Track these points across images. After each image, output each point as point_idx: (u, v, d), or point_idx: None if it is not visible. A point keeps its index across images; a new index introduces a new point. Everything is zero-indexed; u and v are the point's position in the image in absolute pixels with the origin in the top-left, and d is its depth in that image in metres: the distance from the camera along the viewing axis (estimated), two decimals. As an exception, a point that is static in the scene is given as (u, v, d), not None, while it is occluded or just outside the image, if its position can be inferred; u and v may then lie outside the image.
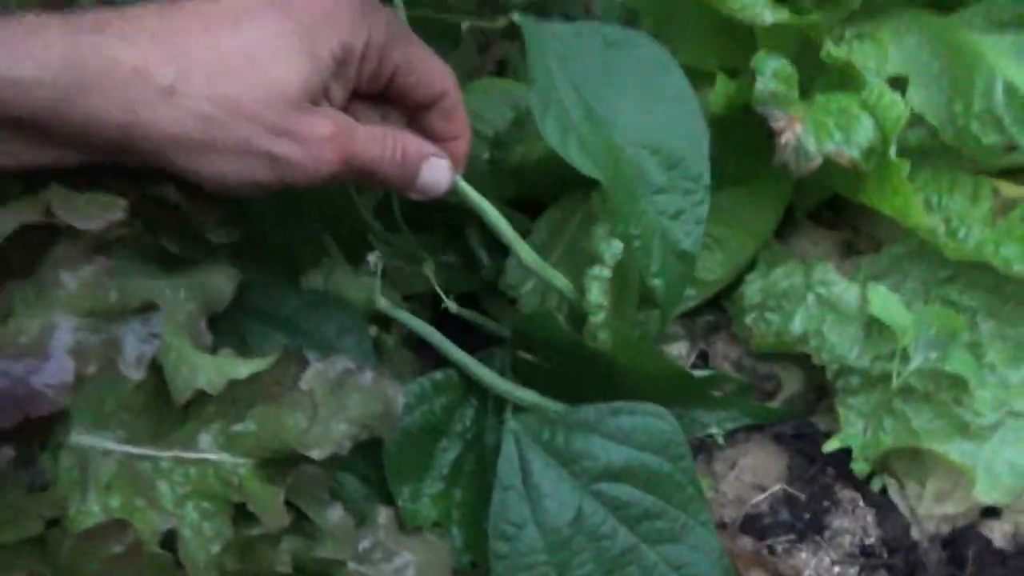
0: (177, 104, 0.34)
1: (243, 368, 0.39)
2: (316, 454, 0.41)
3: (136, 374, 0.33)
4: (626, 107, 0.52)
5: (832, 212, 0.65)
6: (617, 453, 0.44)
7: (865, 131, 0.49)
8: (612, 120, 0.51)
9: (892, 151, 0.50)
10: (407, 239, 0.58)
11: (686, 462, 0.44)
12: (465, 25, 0.63)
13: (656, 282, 0.51)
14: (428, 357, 0.57)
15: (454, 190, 0.46)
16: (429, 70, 0.42)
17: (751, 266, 0.59)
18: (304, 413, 0.42)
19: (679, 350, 0.59)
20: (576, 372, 0.51)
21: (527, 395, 0.49)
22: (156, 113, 0.34)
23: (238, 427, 0.40)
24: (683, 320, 0.61)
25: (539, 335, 0.49)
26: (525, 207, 0.59)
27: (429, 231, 0.62)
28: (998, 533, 0.46)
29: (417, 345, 0.58)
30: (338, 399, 0.45)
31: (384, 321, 0.59)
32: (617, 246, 0.48)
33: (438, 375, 0.50)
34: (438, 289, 0.53)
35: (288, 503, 0.41)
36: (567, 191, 0.59)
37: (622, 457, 0.44)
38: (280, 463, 0.41)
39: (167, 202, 0.38)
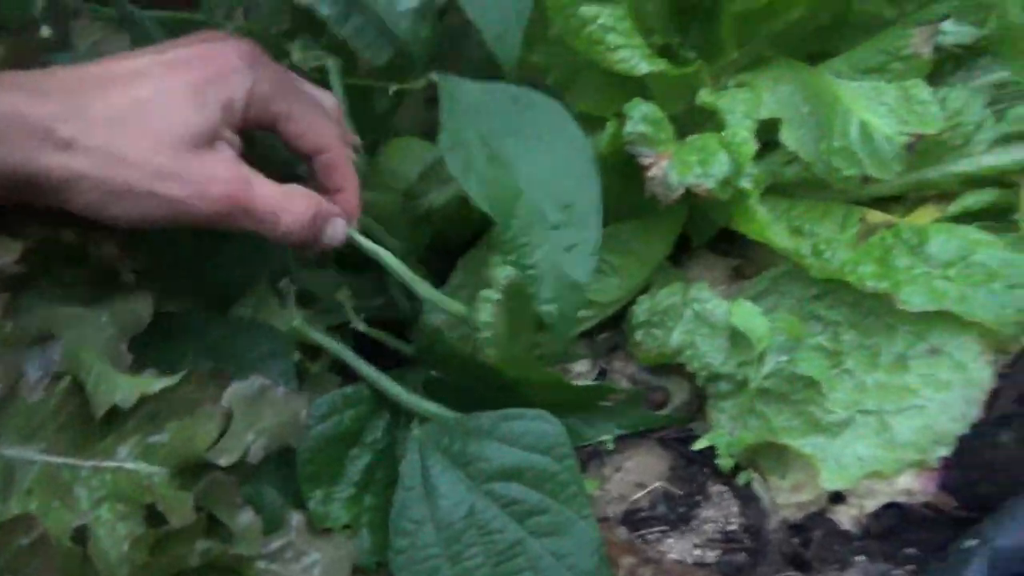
0: (75, 154, 0.40)
1: (155, 385, 0.45)
2: (224, 461, 0.46)
3: (35, 396, 0.38)
4: (527, 155, 0.58)
5: (726, 241, 0.71)
6: (508, 455, 0.49)
7: (720, 165, 0.56)
8: (514, 165, 0.58)
9: (743, 181, 0.56)
10: (331, 275, 0.64)
11: (570, 461, 0.48)
12: (392, 88, 0.70)
13: (548, 309, 0.56)
14: (354, 382, 0.63)
15: (348, 240, 0.52)
16: (311, 123, 0.49)
17: (645, 289, 0.65)
18: (215, 425, 0.47)
19: (582, 367, 0.65)
20: (477, 387, 0.56)
21: (430, 406, 0.55)
22: (56, 162, 0.40)
23: (154, 438, 0.45)
24: (586, 340, 0.67)
25: (439, 354, 0.55)
26: (444, 251, 0.65)
27: (358, 271, 0.68)
28: (844, 517, 0.51)
29: (344, 372, 0.64)
30: (252, 413, 0.50)
31: (313, 350, 0.65)
32: (508, 271, 0.54)
33: (348, 389, 0.55)
34: (350, 311, 0.59)
35: (202, 508, 0.46)
36: (481, 233, 0.65)
37: (512, 459, 0.49)
38: (192, 471, 0.46)
39: (67, 241, 0.44)
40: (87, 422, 0.45)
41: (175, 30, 0.73)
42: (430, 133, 0.79)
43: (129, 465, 0.44)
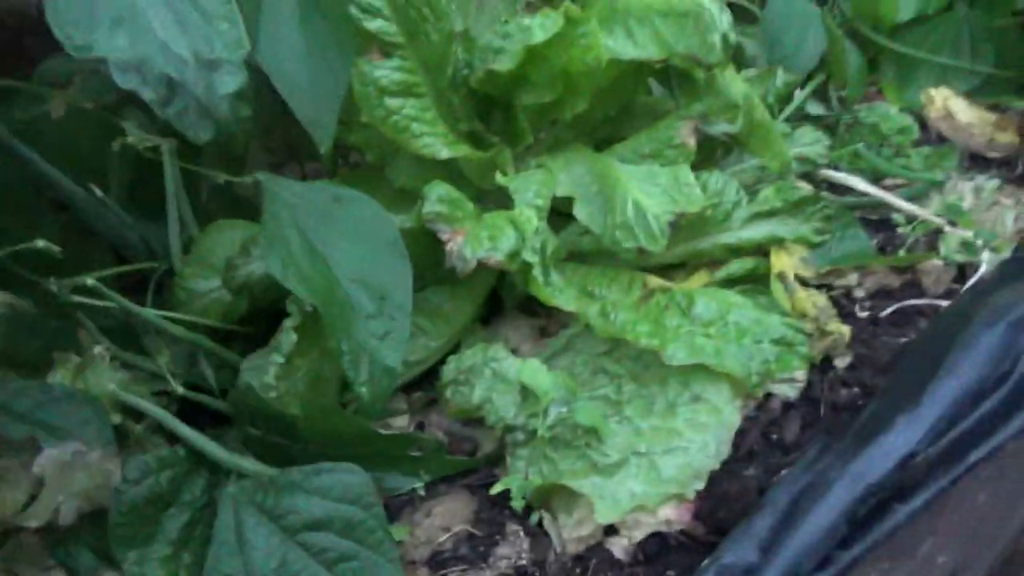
0: None
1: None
2: (32, 523, 0.48)
3: None
4: (345, 249, 0.64)
5: (536, 303, 0.79)
6: (319, 507, 0.53)
7: (508, 240, 0.64)
8: (331, 258, 0.63)
9: (528, 253, 0.64)
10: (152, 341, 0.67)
11: (377, 509, 0.53)
12: (221, 180, 0.74)
13: (362, 390, 0.61)
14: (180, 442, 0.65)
15: None
16: None
17: (455, 349, 0.71)
18: (24, 490, 0.49)
19: (401, 422, 0.70)
20: (290, 443, 0.60)
21: (244, 462, 0.58)
22: None
23: (-44, 506, 0.47)
24: (405, 396, 0.72)
25: (252, 412, 0.59)
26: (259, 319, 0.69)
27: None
28: (617, 547, 0.58)
29: (172, 432, 0.66)
30: (66, 477, 0.52)
31: (137, 413, 0.67)
32: (291, 337, 0.59)
33: (164, 451, 0.58)
34: (168, 376, 0.62)
35: (11, 571, 0.47)
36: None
37: (322, 509, 0.53)
38: (4, 535, 0.47)
39: None
40: None
41: (4, 98, 0.75)
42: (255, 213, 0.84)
43: (-73, 533, 0.45)
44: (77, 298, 0.62)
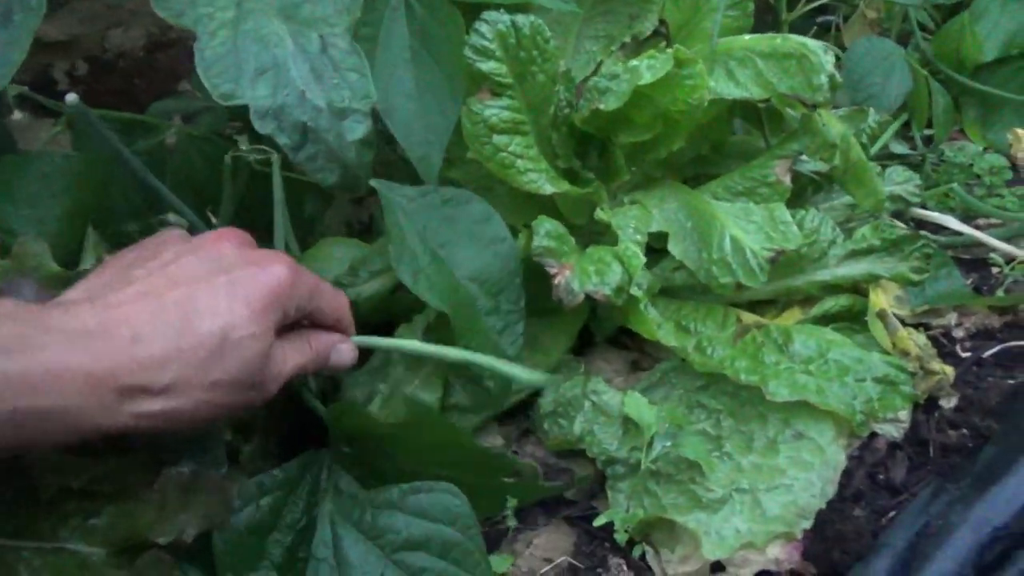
0: (174, 396, 0.45)
1: (99, 467, 0.48)
2: (162, 540, 0.49)
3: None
4: (460, 251, 0.66)
5: (626, 336, 0.80)
6: (416, 526, 0.53)
7: (615, 275, 0.65)
8: (451, 261, 0.66)
9: (634, 288, 0.65)
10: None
11: (473, 531, 0.53)
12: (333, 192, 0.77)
13: (489, 383, 0.65)
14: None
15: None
16: (334, 307, 0.57)
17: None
18: (153, 508, 0.51)
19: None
20: (386, 460, 0.61)
21: (342, 480, 0.59)
22: (151, 407, 0.45)
23: (94, 521, 0.49)
24: (500, 426, 0.73)
25: (348, 425, 0.60)
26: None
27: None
28: (723, 584, 0.58)
29: (279, 453, 0.68)
30: (185, 497, 0.54)
31: (245, 431, 0.69)
32: (398, 370, 0.62)
33: (263, 478, 0.58)
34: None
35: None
36: (399, 319, 0.72)
37: (420, 530, 0.53)
38: (130, 550, 0.49)
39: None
40: (31, 505, 0.48)
41: (119, 130, 0.79)
42: (356, 228, 0.86)
43: (70, 546, 0.47)
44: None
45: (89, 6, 0.99)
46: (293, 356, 0.53)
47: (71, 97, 0.53)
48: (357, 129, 0.57)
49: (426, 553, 0.53)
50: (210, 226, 0.77)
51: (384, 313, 0.71)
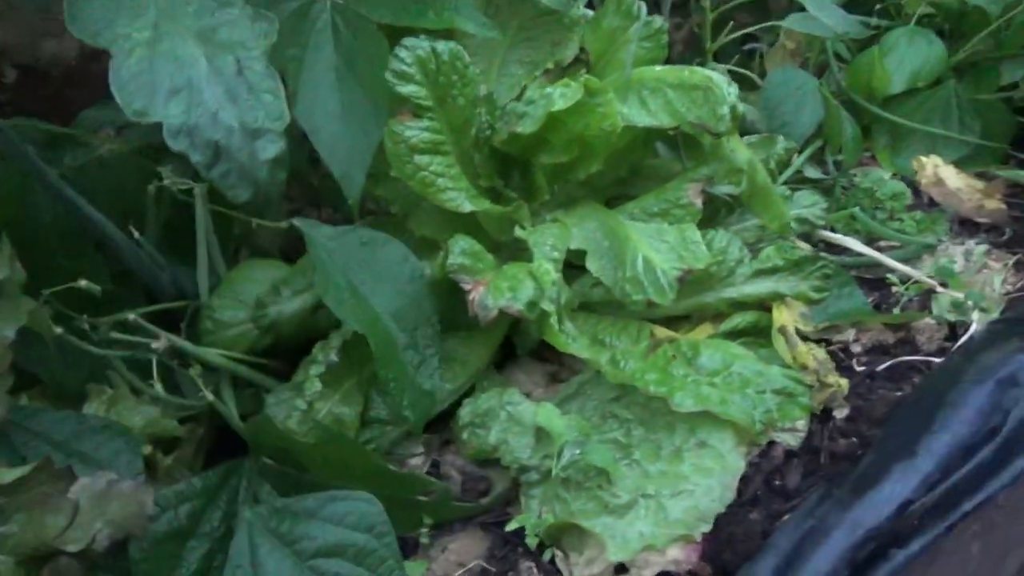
0: None
1: (7, 475, 0.49)
2: (71, 548, 0.50)
3: None
4: (377, 288, 0.69)
5: (547, 350, 0.82)
6: (332, 533, 0.55)
7: (527, 290, 0.68)
8: (369, 296, 0.69)
9: (545, 303, 0.68)
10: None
11: (389, 538, 0.55)
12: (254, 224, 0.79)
13: (408, 413, 0.68)
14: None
15: None
16: None
17: (470, 392, 0.75)
18: (64, 516, 0.51)
19: (416, 461, 0.73)
20: (301, 472, 0.63)
21: (263, 491, 0.61)
22: None
23: (2, 529, 0.49)
24: (424, 436, 0.75)
25: (266, 440, 0.61)
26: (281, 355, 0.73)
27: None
28: (625, 585, 0.61)
29: (203, 466, 0.69)
30: (100, 506, 0.55)
31: (166, 444, 0.69)
32: (316, 385, 0.64)
33: (181, 486, 0.59)
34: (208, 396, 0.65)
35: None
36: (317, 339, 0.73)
37: (336, 537, 0.55)
38: (39, 558, 0.50)
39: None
40: (-63, 514, 0.48)
41: (44, 143, 0.79)
42: (285, 252, 0.87)
43: (-24, 554, 0.48)
44: (116, 334, 0.65)
45: (20, 16, 0.99)
46: None
47: None
48: (270, 148, 0.59)
49: (341, 559, 0.54)
50: (134, 243, 0.78)
51: (306, 331, 0.73)
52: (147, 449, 0.65)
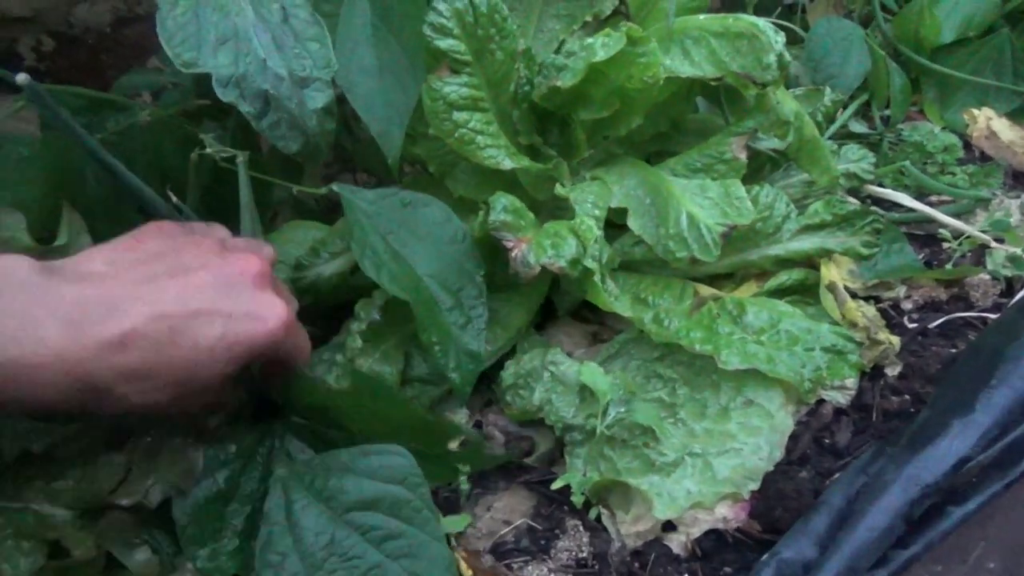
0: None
1: (61, 431, 0.50)
2: (125, 501, 0.51)
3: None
4: (419, 249, 0.68)
5: (588, 310, 0.82)
6: (366, 487, 0.54)
7: (570, 247, 0.66)
8: (412, 259, 0.67)
9: (588, 260, 0.67)
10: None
11: (422, 489, 0.54)
12: (295, 190, 0.79)
13: (453, 376, 0.67)
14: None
15: None
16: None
17: (512, 353, 0.74)
18: (118, 471, 0.52)
19: (459, 419, 0.73)
20: (335, 429, 0.62)
21: (295, 447, 0.61)
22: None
23: (59, 483, 0.50)
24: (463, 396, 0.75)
25: (299, 394, 0.61)
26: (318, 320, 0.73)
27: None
28: (675, 542, 0.60)
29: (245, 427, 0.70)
30: (150, 463, 0.55)
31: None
32: (356, 342, 0.64)
33: (217, 451, 0.59)
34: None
35: (101, 548, 0.50)
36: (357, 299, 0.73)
37: (370, 490, 0.54)
38: (94, 512, 0.51)
39: None
40: (-3, 468, 0.49)
41: (84, 109, 0.79)
42: (324, 213, 0.87)
43: (34, 506, 0.49)
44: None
45: (54, -18, 0.99)
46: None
47: (21, 77, 0.53)
48: (318, 98, 0.58)
49: (376, 512, 0.54)
50: (175, 209, 0.78)
51: (345, 292, 0.72)
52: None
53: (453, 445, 0.61)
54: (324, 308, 0.73)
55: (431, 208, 0.69)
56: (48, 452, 0.50)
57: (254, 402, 0.70)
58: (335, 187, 0.67)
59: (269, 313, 0.52)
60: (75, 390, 0.45)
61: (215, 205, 0.81)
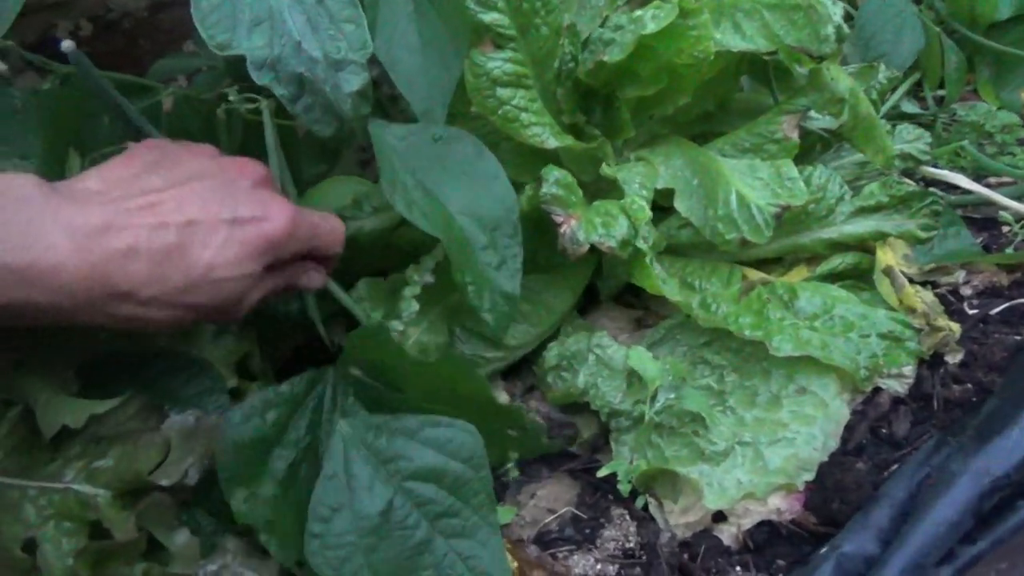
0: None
1: (101, 406, 0.49)
2: (165, 482, 0.50)
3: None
4: (452, 186, 0.64)
5: (632, 295, 0.79)
6: (430, 457, 0.52)
7: (621, 227, 0.64)
8: (443, 196, 0.64)
9: (639, 241, 0.65)
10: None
11: (484, 472, 0.52)
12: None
13: (487, 316, 0.64)
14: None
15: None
16: (329, 243, 0.58)
17: (554, 337, 0.72)
18: (157, 451, 0.51)
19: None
20: (391, 389, 0.60)
21: (349, 403, 0.59)
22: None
23: (99, 463, 0.49)
24: (505, 381, 0.73)
25: (368, 351, 0.59)
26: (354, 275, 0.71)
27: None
28: (725, 534, 0.58)
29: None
30: (191, 441, 0.55)
31: (251, 375, 0.69)
32: (412, 306, 0.61)
33: (268, 393, 0.57)
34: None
35: (142, 529, 0.49)
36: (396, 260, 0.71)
37: (433, 461, 0.52)
38: (134, 492, 0.50)
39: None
40: (35, 446, 0.48)
41: (122, 91, 0.79)
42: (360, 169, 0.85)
43: (75, 487, 0.48)
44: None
45: (91, -35, 0.98)
46: (265, 285, 0.54)
47: (67, 44, 0.52)
48: (353, 80, 0.57)
49: (437, 485, 0.52)
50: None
51: (386, 249, 0.70)
52: (233, 381, 0.64)
53: (513, 431, 0.59)
54: (358, 270, 0.70)
55: (463, 143, 0.65)
56: (86, 430, 0.49)
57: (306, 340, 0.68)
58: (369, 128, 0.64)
59: (273, 212, 0.52)
60: (95, 295, 0.45)
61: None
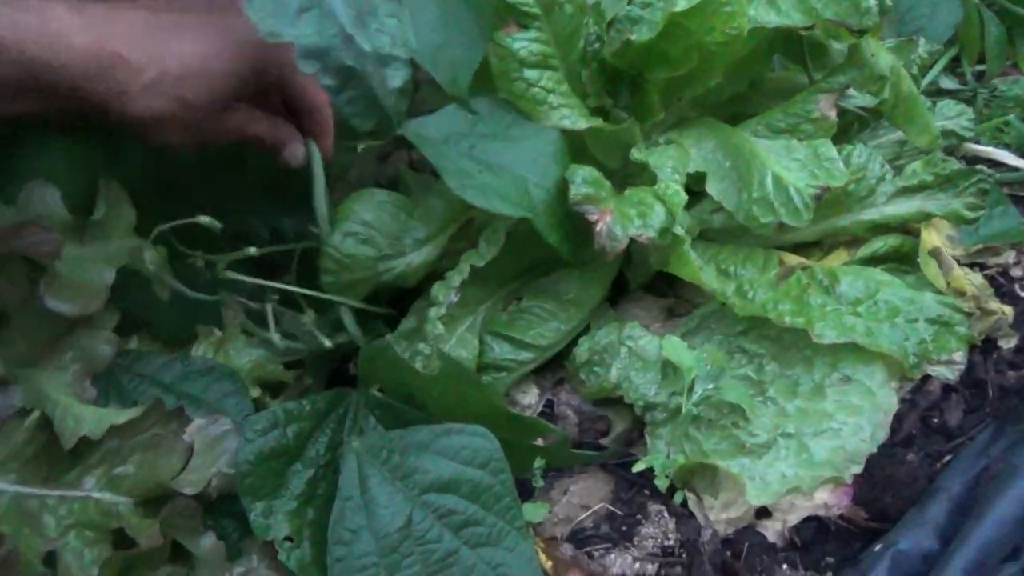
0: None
1: (121, 416, 0.47)
2: (189, 490, 0.48)
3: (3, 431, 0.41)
4: (507, 153, 0.63)
5: (663, 283, 0.77)
6: (446, 467, 0.51)
7: (658, 216, 0.61)
8: (506, 164, 0.62)
9: (677, 228, 0.62)
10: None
11: (504, 475, 0.50)
12: (361, 147, 0.75)
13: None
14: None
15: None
16: (309, 91, 0.61)
17: (585, 330, 0.70)
18: (179, 457, 0.49)
19: (530, 400, 0.69)
20: (412, 406, 0.59)
21: (369, 423, 0.57)
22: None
23: (119, 470, 0.48)
24: (535, 377, 0.70)
25: (381, 368, 0.58)
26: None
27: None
28: (770, 530, 0.56)
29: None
30: (215, 448, 0.53)
31: (274, 387, 0.67)
32: (438, 328, 0.59)
33: (290, 405, 0.56)
34: (317, 333, 0.62)
35: (166, 535, 0.48)
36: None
37: (449, 471, 0.51)
38: (156, 500, 0.48)
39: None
40: (53, 455, 0.47)
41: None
42: (383, 185, 0.83)
43: (95, 495, 0.46)
44: (231, 274, 0.62)
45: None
46: (251, 120, 0.58)
47: None
48: (397, 77, 0.55)
49: (455, 495, 0.50)
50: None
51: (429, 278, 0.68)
52: (256, 392, 0.62)
53: (539, 441, 0.57)
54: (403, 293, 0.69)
55: (500, 112, 0.64)
56: (108, 441, 0.47)
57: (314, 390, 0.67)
58: (399, 129, 0.62)
59: (250, 20, 0.53)
60: (103, 63, 0.48)
61: (287, 182, 0.76)
